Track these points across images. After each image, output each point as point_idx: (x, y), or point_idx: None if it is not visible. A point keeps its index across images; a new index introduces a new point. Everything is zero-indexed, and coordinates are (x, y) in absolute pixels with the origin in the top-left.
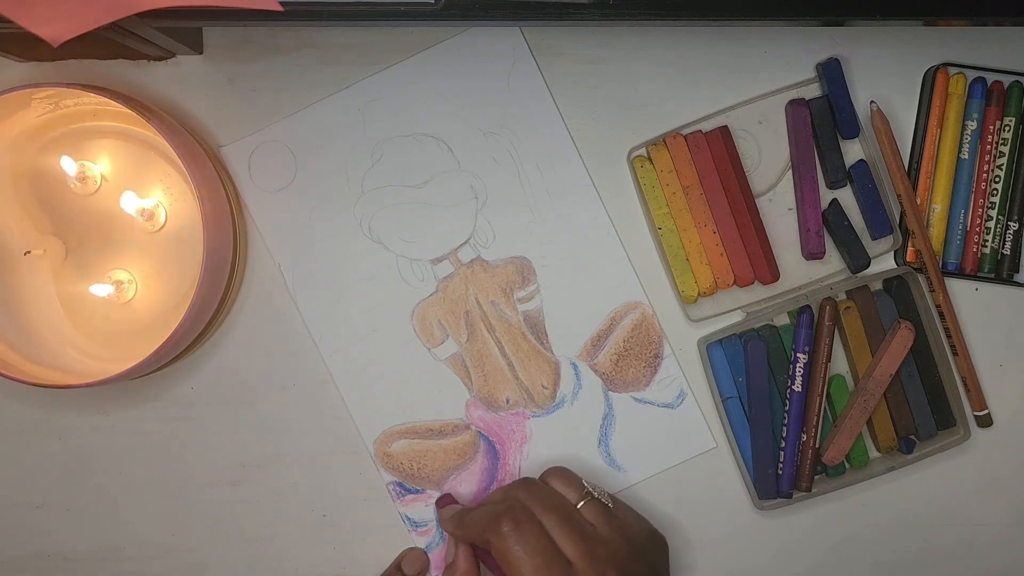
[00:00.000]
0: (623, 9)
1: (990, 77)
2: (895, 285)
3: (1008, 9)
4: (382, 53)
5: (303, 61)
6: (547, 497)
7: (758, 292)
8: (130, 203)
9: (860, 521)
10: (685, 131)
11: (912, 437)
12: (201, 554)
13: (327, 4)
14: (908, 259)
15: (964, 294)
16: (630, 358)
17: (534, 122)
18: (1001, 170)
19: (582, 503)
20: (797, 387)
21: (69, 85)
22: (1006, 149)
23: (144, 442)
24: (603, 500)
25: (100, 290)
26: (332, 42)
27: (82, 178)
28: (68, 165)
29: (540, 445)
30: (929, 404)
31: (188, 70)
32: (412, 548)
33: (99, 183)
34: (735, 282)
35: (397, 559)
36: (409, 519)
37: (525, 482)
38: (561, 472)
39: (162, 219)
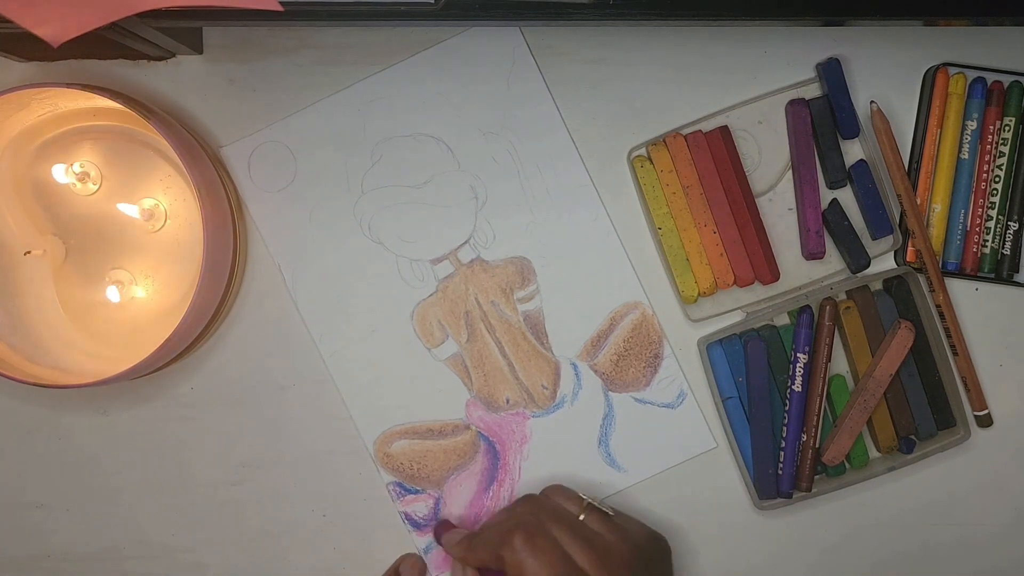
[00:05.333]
0: (623, 9)
1: (990, 77)
2: (895, 285)
3: (1008, 9)
4: (382, 53)
5: (303, 61)
6: (553, 510)
7: (758, 292)
8: (129, 209)
9: (860, 521)
10: (685, 131)
11: (912, 437)
12: (201, 554)
13: (327, 4)
14: (908, 259)
15: (964, 294)
16: (630, 358)
17: (534, 122)
18: (1001, 170)
19: (583, 514)
20: (797, 387)
21: (69, 85)
22: (1006, 149)
23: (144, 442)
24: (604, 509)
25: (100, 290)
26: (332, 42)
27: (82, 178)
28: (59, 173)
29: (540, 445)
30: (929, 404)
31: (188, 70)
32: (410, 554)
33: (99, 183)
34: (735, 282)
35: (395, 564)
36: (409, 519)
37: (528, 498)
38: (560, 487)
39: (162, 219)
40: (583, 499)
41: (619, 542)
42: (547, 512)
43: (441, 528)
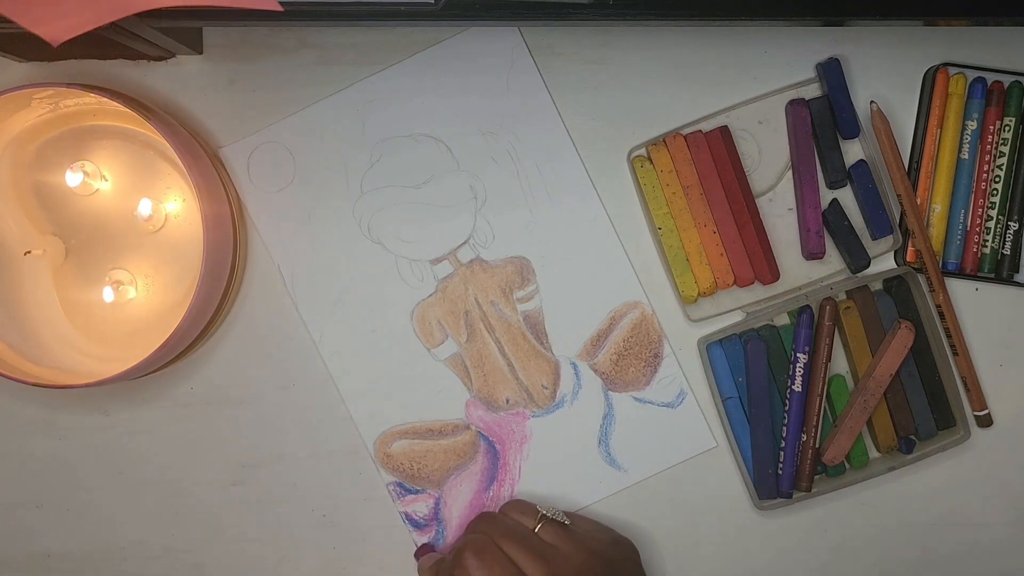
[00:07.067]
0: (623, 9)
1: (990, 77)
2: (895, 285)
3: (1008, 9)
4: (382, 53)
5: (303, 61)
6: (505, 526)
7: (758, 292)
8: (145, 208)
9: (860, 521)
10: (685, 131)
11: (912, 437)
12: (201, 554)
13: (327, 4)
14: (908, 259)
15: (964, 294)
16: (630, 358)
17: (533, 122)
18: (1001, 170)
19: (539, 526)
20: (797, 387)
21: (69, 85)
22: (1006, 149)
23: (144, 442)
24: (559, 519)
25: (100, 290)
26: (332, 42)
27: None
28: (72, 179)
29: (540, 445)
30: (929, 404)
31: (188, 70)
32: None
33: (99, 183)
34: (735, 282)
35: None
36: (409, 519)
37: (482, 516)
38: (516, 502)
39: (162, 219)
40: (538, 511)
41: (574, 551)
42: (500, 528)
43: (421, 551)
